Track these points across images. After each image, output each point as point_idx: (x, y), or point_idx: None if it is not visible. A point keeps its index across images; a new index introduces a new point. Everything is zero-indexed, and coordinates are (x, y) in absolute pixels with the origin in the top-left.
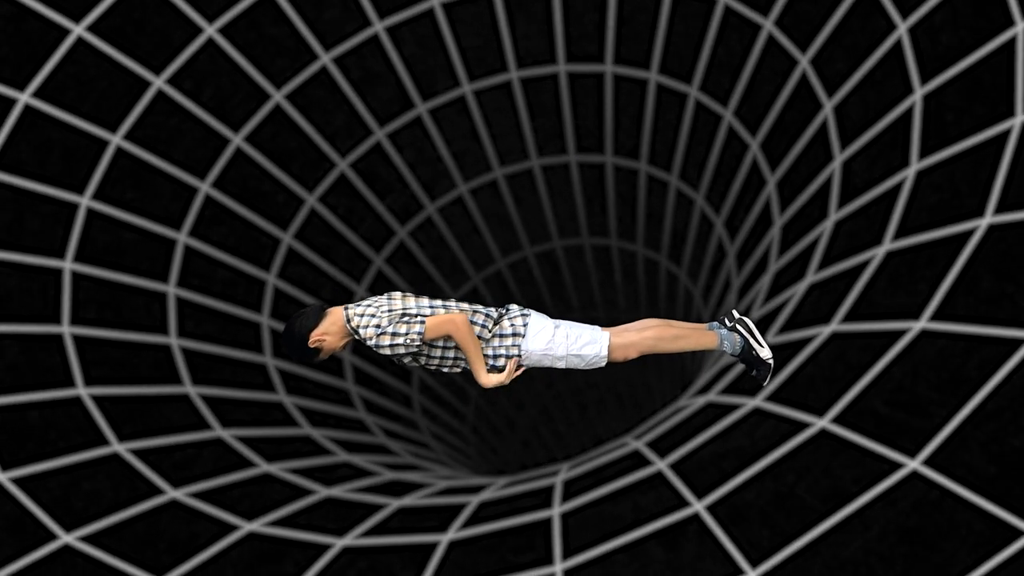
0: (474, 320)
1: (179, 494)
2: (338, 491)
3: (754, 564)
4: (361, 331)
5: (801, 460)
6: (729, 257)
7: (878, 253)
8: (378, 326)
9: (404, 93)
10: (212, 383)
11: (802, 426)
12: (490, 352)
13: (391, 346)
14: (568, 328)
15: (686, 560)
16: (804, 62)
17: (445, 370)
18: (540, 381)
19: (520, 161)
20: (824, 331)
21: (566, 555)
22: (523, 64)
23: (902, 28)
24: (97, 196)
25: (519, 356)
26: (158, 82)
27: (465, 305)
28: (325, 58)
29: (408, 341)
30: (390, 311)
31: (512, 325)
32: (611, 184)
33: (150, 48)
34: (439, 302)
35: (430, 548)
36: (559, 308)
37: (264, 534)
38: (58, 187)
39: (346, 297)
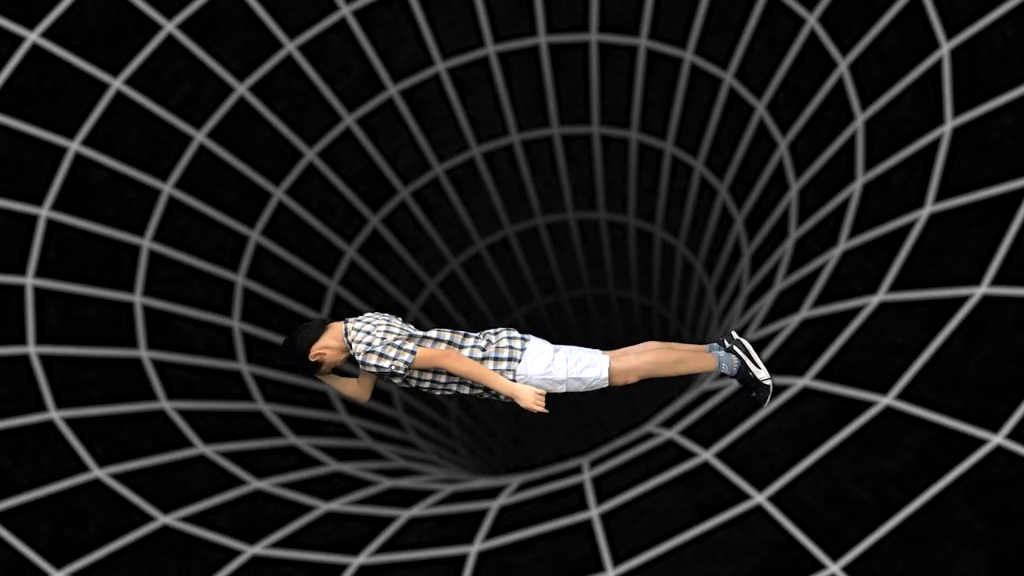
0: (463, 344)
1: (208, 450)
2: (337, 505)
3: (616, 563)
4: (354, 345)
5: (683, 483)
6: (714, 317)
7: (794, 320)
8: (369, 344)
9: (461, 134)
10: (265, 364)
11: (689, 455)
12: None
13: (376, 366)
14: (568, 352)
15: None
16: (761, 107)
17: (436, 393)
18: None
19: (558, 212)
20: (794, 319)
21: (488, 538)
22: (564, 122)
23: (859, 121)
24: (179, 185)
25: (513, 381)
26: (241, 89)
27: (461, 332)
28: (392, 90)
29: (394, 367)
30: (386, 332)
31: (510, 348)
32: (632, 241)
33: (233, 54)
34: (434, 332)
35: (390, 522)
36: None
37: (266, 556)
38: (144, 171)
39: (397, 311)
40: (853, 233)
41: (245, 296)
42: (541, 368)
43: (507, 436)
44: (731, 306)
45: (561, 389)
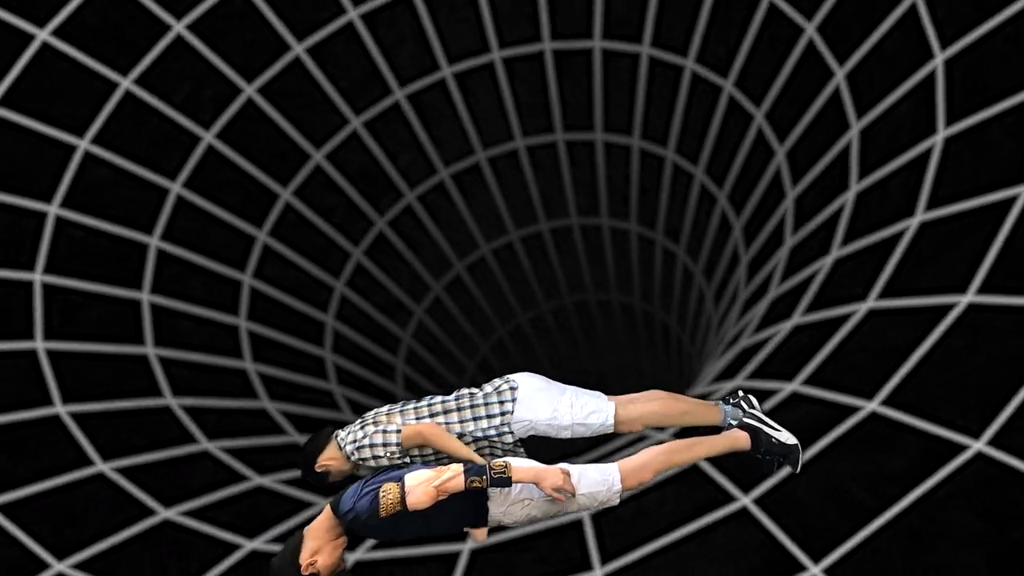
0: (449, 409)
1: (172, 514)
2: (363, 554)
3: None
4: (348, 447)
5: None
6: (735, 231)
7: (912, 224)
8: (355, 441)
9: (381, 79)
10: (193, 392)
11: (851, 410)
12: (479, 439)
13: (373, 458)
14: (573, 395)
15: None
16: (811, 30)
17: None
18: None
19: (504, 142)
20: (861, 308)
21: (604, 559)
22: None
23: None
24: (65, 204)
25: (511, 433)
26: (125, 82)
27: (451, 400)
28: (298, 48)
29: (388, 453)
30: (371, 424)
31: (500, 401)
32: (601, 162)
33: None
34: (424, 402)
35: (453, 558)
36: (547, 293)
37: (263, 551)
38: (24, 196)
39: (324, 293)
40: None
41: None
42: (547, 413)
43: None
44: (766, 221)
45: (566, 435)
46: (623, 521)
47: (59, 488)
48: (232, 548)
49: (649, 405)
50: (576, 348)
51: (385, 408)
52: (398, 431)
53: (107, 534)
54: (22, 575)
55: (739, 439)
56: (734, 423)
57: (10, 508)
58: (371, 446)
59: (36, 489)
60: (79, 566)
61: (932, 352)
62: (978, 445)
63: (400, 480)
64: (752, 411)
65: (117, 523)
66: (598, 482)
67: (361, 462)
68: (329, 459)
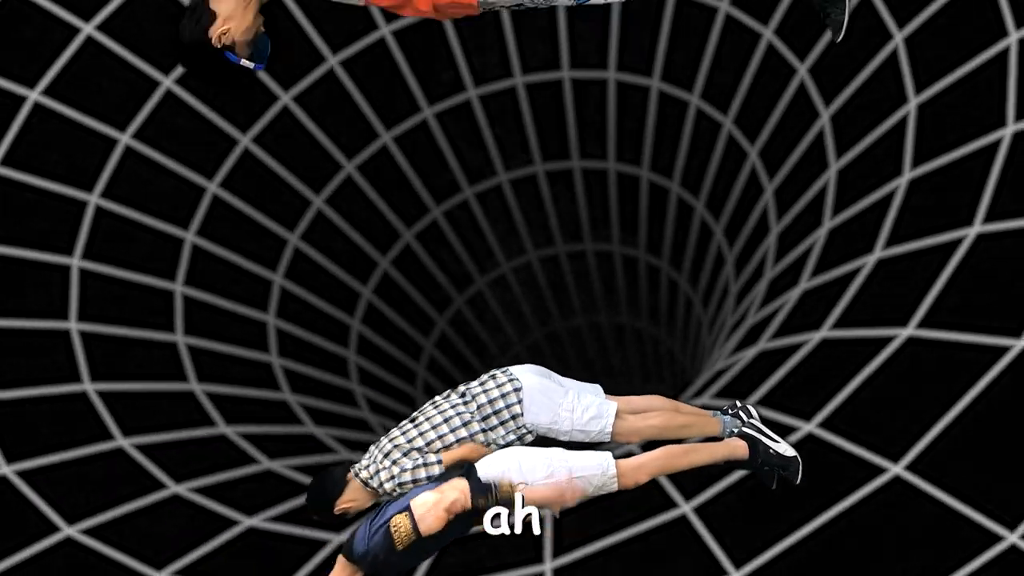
0: (452, 417)
1: (181, 489)
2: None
3: (738, 565)
4: (387, 485)
5: None
6: (728, 264)
7: (869, 261)
8: (392, 477)
9: (411, 97)
10: (217, 380)
11: (789, 431)
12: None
13: (415, 485)
14: (575, 396)
15: (670, 559)
16: (803, 71)
17: None
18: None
19: (524, 166)
20: (815, 337)
21: (556, 554)
22: (528, 70)
23: (898, 38)
24: (106, 194)
25: (531, 433)
26: (167, 82)
27: (461, 405)
28: (332, 60)
29: (430, 477)
30: (395, 456)
31: (506, 405)
32: (613, 190)
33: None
34: (440, 420)
35: None
36: (562, 312)
37: (264, 529)
38: (66, 184)
39: (351, 298)
40: (917, 162)
41: (187, 304)
42: (547, 418)
43: None
44: (752, 254)
45: (564, 439)
46: (583, 518)
47: (79, 459)
48: (231, 523)
49: (648, 419)
50: (590, 366)
51: (402, 438)
52: (439, 461)
53: (117, 503)
54: (34, 535)
55: (737, 448)
56: (735, 432)
57: (30, 474)
58: (414, 480)
59: (57, 458)
60: (88, 532)
61: (870, 379)
62: (896, 469)
63: (406, 510)
64: (751, 421)
65: (128, 494)
66: (592, 466)
67: (401, 490)
68: (350, 501)
